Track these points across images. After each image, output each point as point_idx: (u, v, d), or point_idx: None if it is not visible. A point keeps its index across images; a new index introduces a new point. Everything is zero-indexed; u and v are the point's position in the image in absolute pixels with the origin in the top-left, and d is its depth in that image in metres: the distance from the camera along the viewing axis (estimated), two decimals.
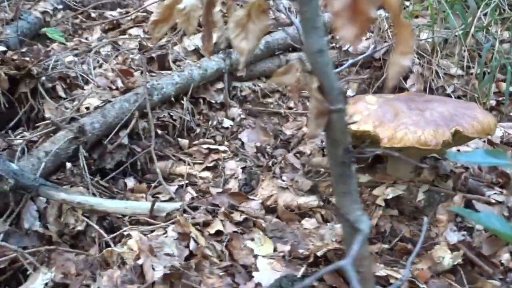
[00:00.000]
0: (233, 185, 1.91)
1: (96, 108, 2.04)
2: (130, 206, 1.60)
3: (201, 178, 1.99)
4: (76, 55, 2.68)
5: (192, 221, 1.54)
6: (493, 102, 2.46)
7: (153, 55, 2.60)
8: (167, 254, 1.35)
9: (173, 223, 1.52)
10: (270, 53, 2.68)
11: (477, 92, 2.44)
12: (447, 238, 1.61)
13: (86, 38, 3.08)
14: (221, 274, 1.36)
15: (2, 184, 1.45)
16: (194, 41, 2.77)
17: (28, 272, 1.36)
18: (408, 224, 1.69)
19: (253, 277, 1.35)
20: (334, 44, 2.78)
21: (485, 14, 2.65)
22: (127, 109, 2.03)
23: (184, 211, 1.65)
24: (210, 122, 2.35)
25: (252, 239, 1.49)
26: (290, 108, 2.60)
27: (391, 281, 1.36)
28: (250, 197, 1.78)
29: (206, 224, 1.58)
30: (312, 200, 1.73)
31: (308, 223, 1.63)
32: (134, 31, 3.04)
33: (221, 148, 2.12)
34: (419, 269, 1.48)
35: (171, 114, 2.23)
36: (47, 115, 1.98)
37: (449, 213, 1.57)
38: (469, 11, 2.60)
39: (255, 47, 0.85)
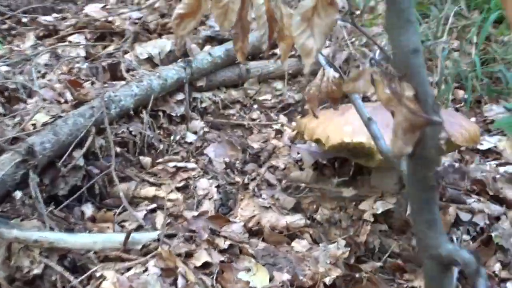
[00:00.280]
0: (208, 206, 1.74)
1: (44, 124, 1.78)
2: (99, 240, 1.38)
3: (170, 200, 1.80)
4: (8, 64, 2.37)
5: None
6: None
7: (103, 64, 2.36)
8: None
9: (153, 256, 1.33)
10: (230, 61, 2.54)
11: (436, 100, 2.49)
12: None
13: (18, 46, 2.75)
14: None
15: None
16: (146, 48, 2.58)
17: None
18: (397, 238, 1.63)
19: None
20: (293, 52, 2.71)
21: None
22: (82, 125, 1.79)
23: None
24: (172, 137, 2.16)
25: (248, 269, 1.34)
26: (254, 120, 2.48)
27: None
28: (231, 219, 1.62)
29: (189, 254, 1.40)
30: (298, 219, 1.62)
31: (299, 245, 1.52)
32: (74, 38, 2.76)
33: (190, 165, 1.94)
34: None
35: (130, 129, 2.01)
36: None
37: (445, 226, 1.53)
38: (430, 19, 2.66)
39: (323, 47, 0.72)
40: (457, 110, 2.53)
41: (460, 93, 2.48)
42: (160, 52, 2.59)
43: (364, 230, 1.61)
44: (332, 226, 1.67)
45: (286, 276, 1.33)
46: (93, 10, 2.95)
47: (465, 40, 2.70)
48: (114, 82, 2.26)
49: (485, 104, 2.34)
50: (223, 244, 1.49)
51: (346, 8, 3.08)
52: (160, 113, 2.23)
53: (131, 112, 2.04)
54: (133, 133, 2.02)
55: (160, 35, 2.75)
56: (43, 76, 2.18)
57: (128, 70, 2.37)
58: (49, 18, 3.01)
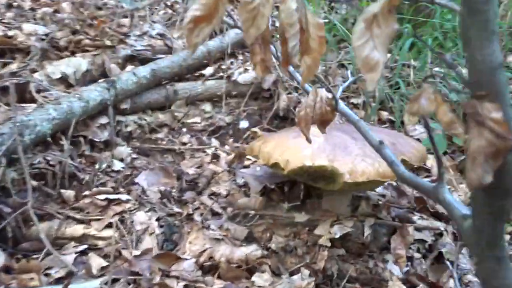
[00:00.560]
0: (150, 243, 1.54)
1: None
2: None
3: (103, 239, 1.56)
4: None
5: None
6: None
7: (7, 83, 2.03)
8: None
9: None
10: (156, 82, 2.36)
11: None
12: (392, 272, 1.56)
13: None
14: None
15: None
16: (59, 67, 2.29)
17: None
18: (354, 262, 1.58)
19: None
20: (222, 74, 2.61)
21: None
22: None
23: None
24: (97, 166, 1.91)
25: None
26: (184, 144, 2.32)
27: None
28: (181, 256, 1.44)
29: None
30: (254, 250, 1.49)
31: (261, 279, 1.39)
32: None
33: (123, 197, 1.71)
34: None
35: (48, 158, 1.73)
36: None
37: (405, 247, 1.52)
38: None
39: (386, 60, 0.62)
40: None
41: (384, 114, 2.58)
42: (76, 72, 2.32)
43: (321, 256, 1.54)
44: (288, 254, 1.57)
45: None
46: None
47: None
48: (23, 105, 1.96)
49: (408, 125, 2.46)
50: (176, 285, 1.30)
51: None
52: (81, 139, 1.97)
53: (48, 139, 1.76)
54: (51, 162, 1.74)
55: (73, 53, 2.47)
56: None
57: (38, 91, 2.07)
58: None
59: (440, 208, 1.88)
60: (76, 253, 1.47)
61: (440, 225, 1.76)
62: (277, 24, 0.70)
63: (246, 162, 2.08)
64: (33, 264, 1.36)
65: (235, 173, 1.98)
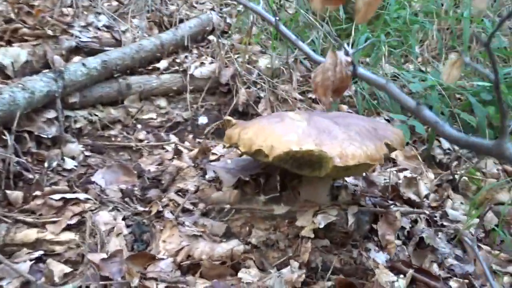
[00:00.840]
0: (118, 244, 1.37)
1: None
2: None
3: (61, 243, 1.37)
4: None
5: None
6: None
7: None
8: None
9: None
10: (107, 74, 2.17)
11: None
12: (375, 260, 1.51)
13: None
14: None
15: None
16: None
17: None
18: (337, 253, 1.52)
19: None
20: (177, 68, 2.47)
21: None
22: None
23: None
24: (46, 164, 1.70)
25: None
26: (141, 141, 2.15)
27: None
28: (158, 256, 1.29)
29: None
30: (236, 245, 1.38)
31: (249, 275, 1.27)
32: None
33: (81, 196, 1.52)
34: None
35: None
36: None
37: (394, 232, 1.47)
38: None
39: None
40: None
41: (344, 107, 2.57)
42: (14, 63, 2.07)
43: (305, 248, 1.45)
44: (269, 248, 1.47)
45: None
46: None
47: None
48: None
49: (369, 116, 2.46)
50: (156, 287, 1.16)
51: (222, 26, 3.00)
52: (26, 135, 1.75)
53: None
54: None
55: (9, 43, 2.21)
56: None
57: None
58: None
59: (412, 196, 1.88)
60: (30, 260, 1.27)
61: (414, 211, 1.75)
62: None
63: (211, 157, 1.96)
64: None
65: (203, 168, 1.85)
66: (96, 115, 2.12)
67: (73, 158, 1.84)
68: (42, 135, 1.78)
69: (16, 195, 1.49)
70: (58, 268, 1.22)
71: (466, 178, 2.03)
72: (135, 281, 1.13)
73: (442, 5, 3.18)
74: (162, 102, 2.41)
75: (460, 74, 0.69)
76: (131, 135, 2.17)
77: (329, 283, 1.39)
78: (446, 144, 2.34)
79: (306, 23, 2.87)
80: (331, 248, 1.51)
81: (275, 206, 1.56)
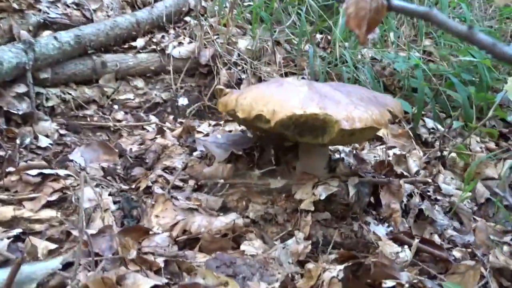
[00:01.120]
0: (106, 221, 1.25)
1: None
2: None
3: (41, 221, 1.23)
4: None
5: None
6: None
7: None
8: None
9: None
10: (80, 51, 2.03)
11: None
12: (376, 233, 1.46)
13: None
14: None
15: None
16: None
17: None
18: (337, 226, 1.45)
19: None
20: (155, 47, 2.34)
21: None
22: None
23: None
24: (18, 141, 1.55)
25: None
26: (119, 121, 2.01)
27: None
28: (153, 230, 1.18)
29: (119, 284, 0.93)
30: (236, 219, 1.29)
31: (252, 247, 1.19)
32: None
33: (61, 172, 1.39)
34: None
35: None
36: None
37: (399, 201, 1.42)
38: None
39: None
40: None
41: None
42: None
43: (305, 222, 1.38)
44: (268, 223, 1.39)
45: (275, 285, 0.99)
46: None
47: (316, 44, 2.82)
48: None
49: None
50: (155, 260, 1.05)
51: (198, 9, 2.89)
52: None
53: None
54: None
55: None
56: None
57: None
58: None
59: (404, 172, 1.85)
60: (8, 238, 1.13)
61: (408, 186, 1.72)
62: None
63: (197, 136, 1.85)
64: None
65: (189, 145, 1.75)
66: (70, 94, 1.97)
67: (47, 136, 1.69)
68: (12, 111, 1.63)
69: None
70: (41, 245, 1.09)
71: (453, 155, 2.03)
72: (133, 253, 1.02)
73: None
74: (140, 82, 2.28)
75: None
76: (108, 115, 2.04)
77: (332, 256, 1.32)
78: (430, 123, 2.34)
79: None
80: (331, 222, 1.44)
81: (271, 180, 1.48)
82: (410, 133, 2.10)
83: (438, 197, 1.75)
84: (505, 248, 1.50)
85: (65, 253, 1.08)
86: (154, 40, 2.41)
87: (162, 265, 1.04)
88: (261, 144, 1.60)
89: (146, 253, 1.08)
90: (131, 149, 1.76)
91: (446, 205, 1.69)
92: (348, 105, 1.26)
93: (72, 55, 1.97)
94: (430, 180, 1.65)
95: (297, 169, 1.53)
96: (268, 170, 1.52)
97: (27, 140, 1.55)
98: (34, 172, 1.34)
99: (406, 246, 1.36)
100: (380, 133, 2.16)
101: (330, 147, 1.68)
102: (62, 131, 1.75)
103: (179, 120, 2.11)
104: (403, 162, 1.95)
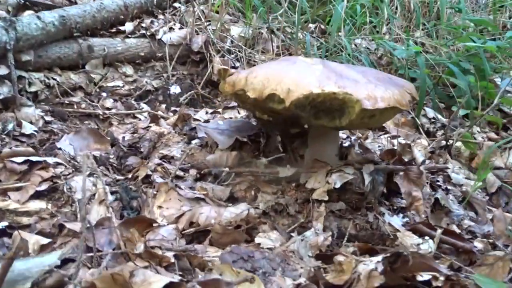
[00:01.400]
0: (103, 212, 1.12)
1: None
2: None
3: (29, 214, 1.09)
4: None
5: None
6: None
7: None
8: None
9: None
10: (66, 33, 1.88)
11: None
12: (391, 224, 1.37)
13: None
14: None
15: None
16: None
17: None
18: (352, 217, 1.35)
19: None
20: (145, 32, 2.21)
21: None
22: None
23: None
24: (0, 127, 1.40)
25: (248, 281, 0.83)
26: (109, 109, 1.88)
27: None
28: (158, 222, 1.06)
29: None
30: (247, 210, 1.17)
31: (269, 240, 1.08)
32: None
33: (50, 160, 1.25)
34: None
35: None
36: None
37: (420, 188, 1.33)
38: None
39: None
40: None
41: None
42: None
43: (318, 213, 1.28)
44: (278, 214, 1.28)
45: (298, 281, 0.88)
46: None
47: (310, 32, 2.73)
48: None
49: None
50: (164, 255, 0.93)
51: None
52: None
53: None
54: None
55: None
56: None
57: None
58: None
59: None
60: None
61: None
62: None
63: (194, 124, 1.73)
64: None
65: (186, 134, 1.63)
66: (54, 79, 1.82)
67: (31, 123, 1.54)
68: None
69: None
70: (32, 240, 0.96)
71: (458, 145, 1.96)
72: (140, 247, 0.89)
73: None
74: (129, 69, 2.14)
75: None
76: (96, 103, 1.89)
77: (351, 249, 1.22)
78: (430, 113, 2.28)
79: None
80: (345, 212, 1.34)
81: (279, 168, 1.37)
82: (417, 121, 2.03)
83: (449, 187, 1.68)
84: None
85: (59, 248, 0.95)
86: (143, 25, 2.27)
87: (172, 260, 0.92)
88: (266, 130, 1.50)
89: (153, 247, 0.96)
90: (123, 137, 1.63)
91: (459, 195, 1.62)
92: (367, 84, 1.17)
93: (57, 37, 1.82)
94: (449, 166, 1.57)
95: (306, 157, 1.43)
96: (275, 158, 1.42)
97: (10, 126, 1.41)
98: (19, 159, 1.20)
99: (427, 237, 1.27)
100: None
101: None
102: (48, 118, 1.61)
103: (172, 108, 1.98)
104: (408, 151, 1.88)
